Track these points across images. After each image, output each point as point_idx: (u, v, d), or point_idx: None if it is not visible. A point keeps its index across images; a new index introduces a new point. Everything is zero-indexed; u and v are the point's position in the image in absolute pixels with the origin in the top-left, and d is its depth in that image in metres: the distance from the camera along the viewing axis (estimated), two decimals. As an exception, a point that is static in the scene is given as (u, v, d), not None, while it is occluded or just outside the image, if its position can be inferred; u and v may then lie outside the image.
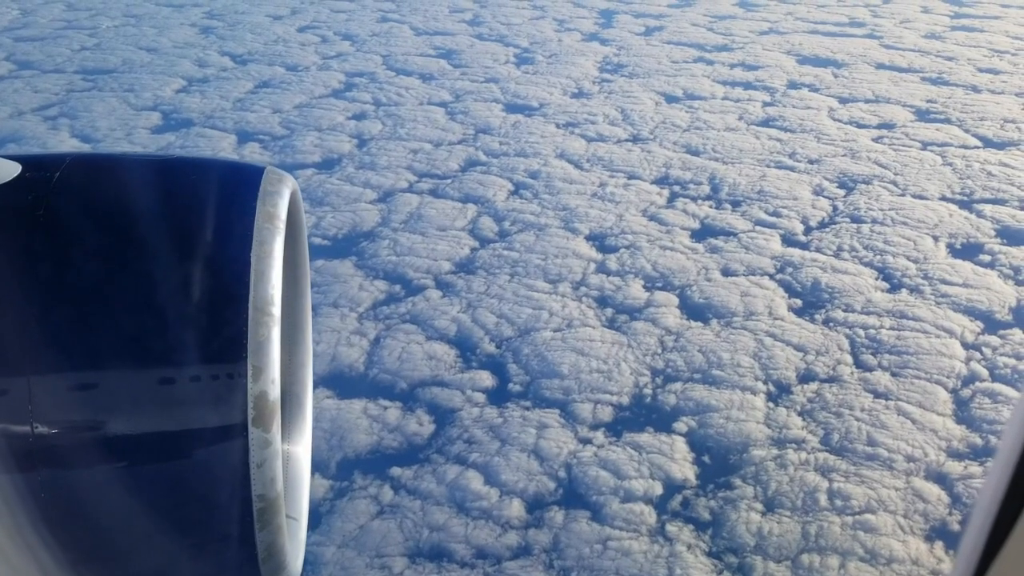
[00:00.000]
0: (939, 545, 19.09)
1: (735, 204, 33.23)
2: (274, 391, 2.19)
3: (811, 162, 36.54)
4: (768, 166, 36.21)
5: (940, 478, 20.73)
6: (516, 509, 19.92)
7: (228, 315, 2.20)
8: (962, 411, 22.73)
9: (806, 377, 23.91)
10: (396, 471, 20.84)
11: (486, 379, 23.96)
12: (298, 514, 2.52)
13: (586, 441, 21.81)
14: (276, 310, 2.22)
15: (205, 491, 2.22)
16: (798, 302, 27.25)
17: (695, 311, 26.86)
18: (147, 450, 2.18)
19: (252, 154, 36.89)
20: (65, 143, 36.45)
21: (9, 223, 2.24)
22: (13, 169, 2.33)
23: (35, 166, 2.36)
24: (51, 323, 2.15)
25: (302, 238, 2.70)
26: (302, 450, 2.68)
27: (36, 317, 2.15)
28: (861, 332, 25.67)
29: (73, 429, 2.13)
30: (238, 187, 2.40)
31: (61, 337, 2.15)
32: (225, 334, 2.19)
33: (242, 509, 2.19)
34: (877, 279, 28.43)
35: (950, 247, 30.31)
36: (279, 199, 2.39)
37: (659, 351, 25.00)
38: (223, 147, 37.22)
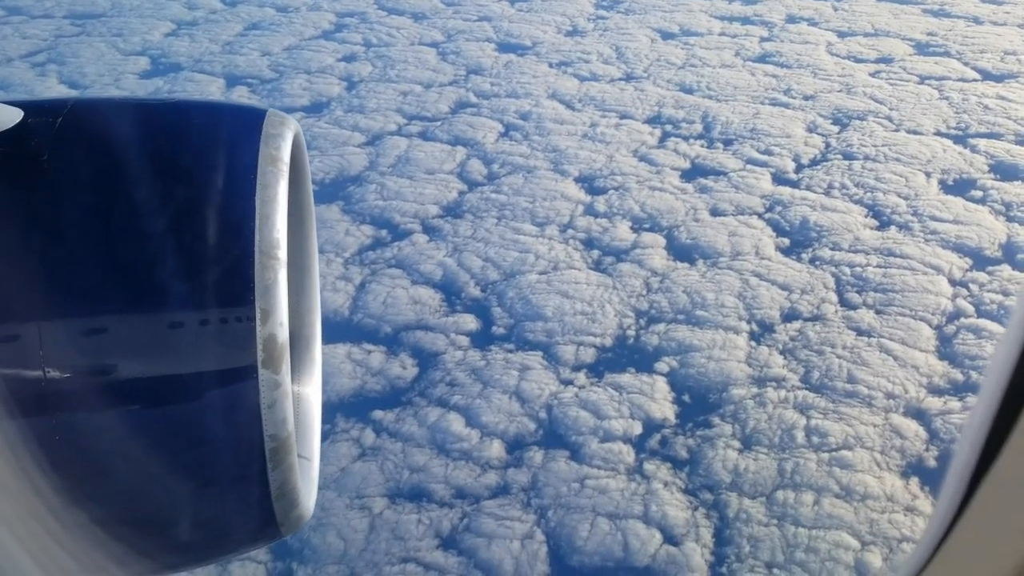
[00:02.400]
0: (915, 481, 19.38)
1: (727, 143, 33.08)
2: (282, 333, 2.22)
3: (806, 98, 36.23)
4: (762, 103, 35.93)
5: (919, 414, 20.96)
6: (496, 450, 20.28)
7: (235, 259, 2.22)
8: (945, 347, 22.88)
9: (790, 316, 24.06)
10: (378, 414, 21.18)
11: (470, 322, 24.18)
12: (309, 453, 2.54)
13: (568, 382, 22.08)
14: (282, 253, 2.25)
15: (217, 433, 2.25)
16: (786, 241, 27.29)
17: (682, 252, 26.93)
18: (158, 394, 2.22)
19: (240, 98, 36.75)
20: (53, 89, 36.43)
21: (13, 169, 2.25)
22: (15, 115, 2.34)
23: (37, 112, 2.38)
24: (59, 269, 2.18)
25: (306, 181, 2.69)
26: (312, 391, 2.70)
27: (43, 263, 2.17)
28: (847, 270, 25.73)
29: (84, 373, 2.17)
30: (240, 130, 2.41)
31: (69, 283, 2.18)
32: (232, 277, 2.21)
33: (254, 449, 2.22)
34: (866, 216, 28.39)
35: (942, 183, 30.17)
36: (282, 142, 2.40)
37: (644, 292, 25.15)
38: (211, 91, 37.10)
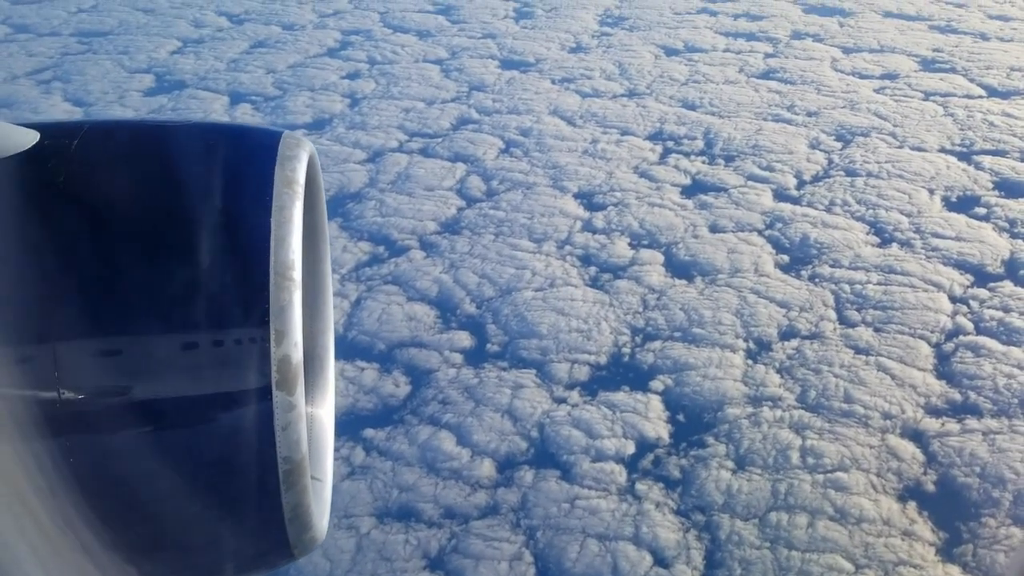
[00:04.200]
0: (912, 505, 19.00)
1: (728, 159, 32.85)
2: (297, 354, 2.22)
3: (809, 115, 35.98)
4: (765, 119, 35.71)
5: (916, 435, 20.58)
6: (487, 469, 20.03)
7: (250, 280, 2.22)
8: (943, 366, 22.51)
9: (787, 334, 23.75)
10: (369, 432, 20.97)
11: (464, 340, 23.99)
12: (322, 475, 2.56)
13: (561, 401, 21.84)
14: (297, 274, 2.25)
15: (231, 454, 2.24)
16: (785, 258, 27.00)
17: (680, 269, 26.68)
18: (172, 415, 2.21)
19: (244, 115, 36.83)
20: (57, 107, 36.57)
21: (30, 191, 2.25)
22: (32, 137, 2.36)
23: (53, 134, 2.39)
24: (74, 291, 2.17)
25: (321, 202, 2.73)
26: (325, 412, 2.72)
27: (59, 285, 2.17)
28: (847, 287, 25.40)
29: (99, 395, 2.17)
30: (256, 152, 2.42)
31: (85, 304, 2.17)
32: (247, 299, 2.21)
33: (268, 471, 2.23)
34: (868, 233, 28.07)
35: (945, 200, 29.83)
36: (297, 163, 2.41)
37: (640, 309, 24.89)
38: (215, 108, 37.18)
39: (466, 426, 21.05)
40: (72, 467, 2.15)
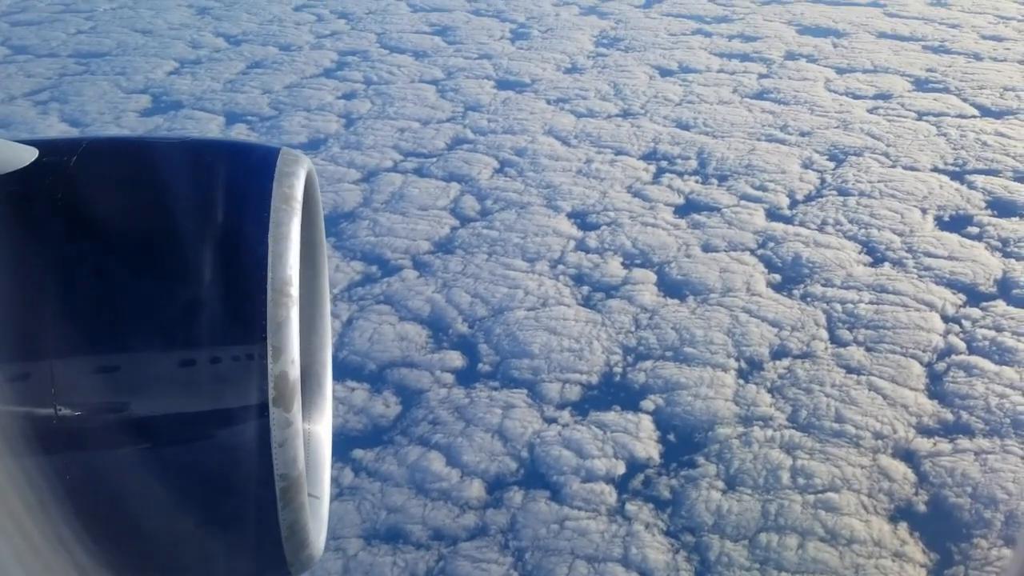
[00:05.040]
0: (903, 526, 18.85)
1: (721, 179, 32.85)
2: (294, 371, 2.22)
3: (803, 135, 36.02)
4: (758, 139, 35.74)
5: (908, 455, 20.45)
6: (476, 490, 19.89)
7: (247, 296, 2.22)
8: (935, 385, 22.41)
9: (779, 353, 23.65)
10: (358, 453, 20.86)
11: (456, 359, 23.90)
12: (320, 492, 2.55)
13: (551, 420, 21.73)
14: (294, 291, 2.25)
15: (227, 471, 2.23)
16: (777, 277, 26.95)
17: (672, 288, 26.63)
18: (169, 431, 2.21)
19: (239, 135, 36.86)
20: (54, 127, 36.61)
21: (28, 208, 2.26)
22: (30, 154, 2.36)
23: (52, 151, 2.39)
24: (71, 307, 2.17)
25: (319, 219, 2.74)
26: (322, 428, 2.71)
27: (56, 301, 2.17)
28: (839, 307, 25.33)
29: (95, 412, 2.17)
30: (254, 169, 2.42)
31: (82, 321, 2.17)
32: (244, 315, 2.21)
33: (264, 488, 2.22)
34: (860, 253, 28.03)
35: (938, 219, 29.80)
36: (295, 180, 2.42)
37: (632, 329, 24.82)
38: (211, 129, 37.25)
39: (456, 446, 20.93)
40: (69, 484, 2.14)
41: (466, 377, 23.21)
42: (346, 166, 34.25)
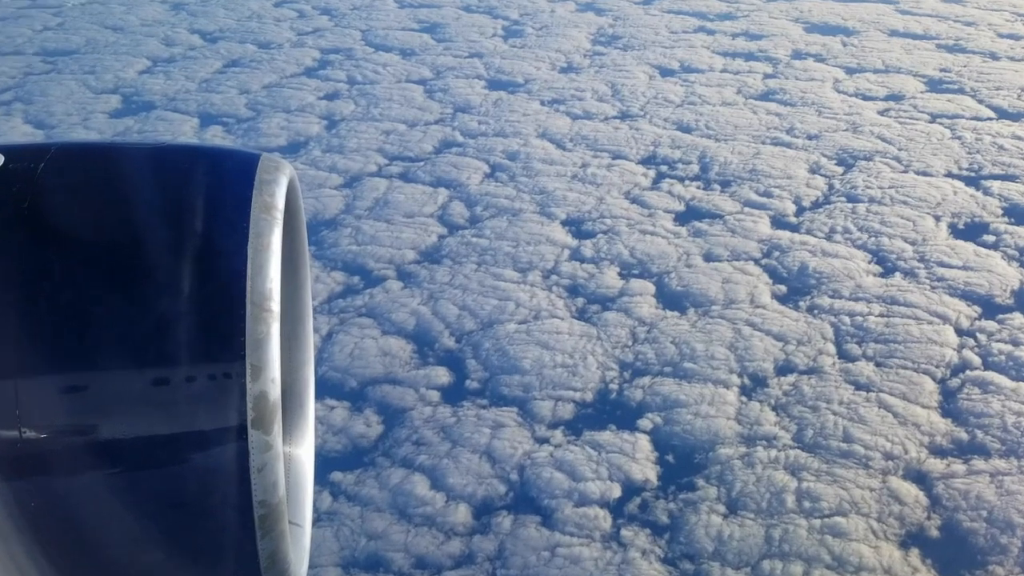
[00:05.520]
0: (915, 552, 18.80)
1: (724, 184, 32.89)
2: (274, 391, 2.20)
3: (810, 138, 36.10)
4: (763, 143, 35.81)
5: (919, 477, 20.40)
6: (462, 515, 19.80)
7: (224, 311, 2.20)
8: (949, 403, 22.39)
9: (784, 369, 23.63)
10: (337, 476, 20.77)
11: (442, 376, 23.84)
12: (301, 519, 2.55)
13: (543, 441, 21.67)
14: (275, 305, 2.24)
15: (203, 497, 2.21)
16: (783, 288, 26.95)
17: (672, 300, 26.62)
18: (141, 455, 2.18)
19: (215, 138, 36.85)
20: (17, 129, 36.57)
21: None
22: None
23: (18, 156, 2.37)
24: (38, 322, 2.15)
25: (301, 229, 2.78)
26: (304, 452, 2.73)
27: (22, 316, 2.15)
28: (847, 320, 25.32)
29: (63, 433, 2.14)
30: (232, 176, 2.42)
31: (49, 337, 2.15)
32: (222, 331, 2.20)
33: (243, 516, 2.20)
34: (870, 263, 28.06)
35: (952, 227, 29.86)
36: (276, 187, 2.42)
37: (630, 343, 24.79)
38: (184, 131, 37.20)
39: (441, 468, 20.84)
40: (34, 511, 2.12)
41: (453, 394, 23.15)
42: (328, 170, 34.23)
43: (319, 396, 23.04)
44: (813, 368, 23.59)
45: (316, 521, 19.12)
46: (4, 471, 2.11)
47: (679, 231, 30.07)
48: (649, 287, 27.18)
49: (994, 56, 43.44)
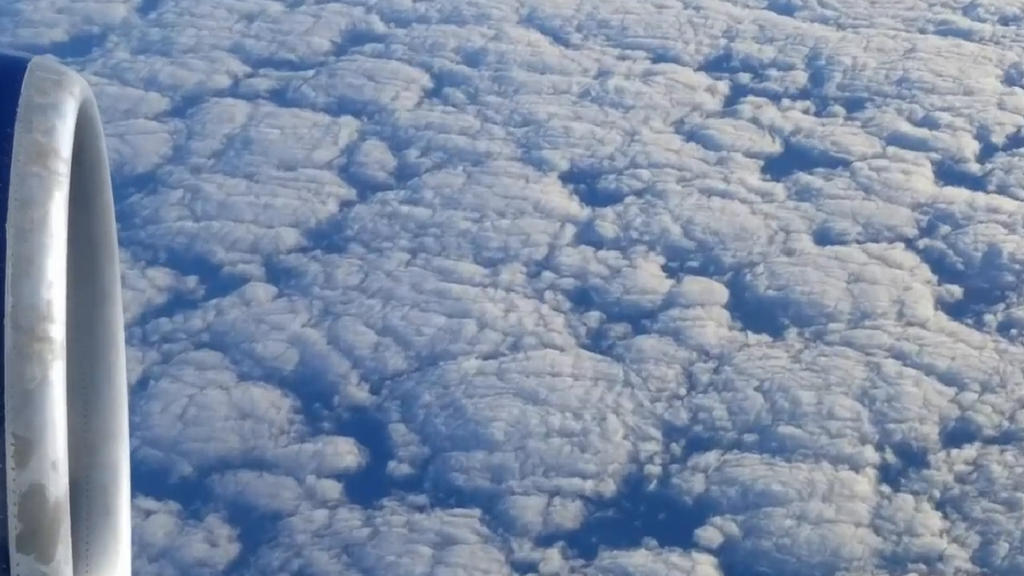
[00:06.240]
0: None
1: (851, 106, 33.22)
2: (57, 484, 2.28)
3: (1006, 22, 36.44)
4: (922, 31, 36.17)
5: None
6: None
7: None
8: None
9: (957, 435, 23.90)
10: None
11: (347, 453, 24.11)
12: None
13: (525, 570, 21.83)
14: (56, 330, 2.32)
15: None
16: (956, 291, 27.23)
17: (756, 314, 26.94)
18: None
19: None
20: None
21: None
22: None
23: None
24: None
25: (102, 188, 2.92)
26: None
27: None
28: (1070, 347, 25.66)
29: None
30: None
31: None
32: None
33: None
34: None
35: None
36: (57, 119, 2.56)
37: (681, 392, 24.99)
38: None
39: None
40: None
41: (365, 488, 23.43)
42: (143, 86, 34.46)
43: (131, 491, 23.17)
44: (1007, 432, 23.83)
45: None
46: None
47: (771, 191, 30.33)
48: (717, 291, 27.54)
49: None
